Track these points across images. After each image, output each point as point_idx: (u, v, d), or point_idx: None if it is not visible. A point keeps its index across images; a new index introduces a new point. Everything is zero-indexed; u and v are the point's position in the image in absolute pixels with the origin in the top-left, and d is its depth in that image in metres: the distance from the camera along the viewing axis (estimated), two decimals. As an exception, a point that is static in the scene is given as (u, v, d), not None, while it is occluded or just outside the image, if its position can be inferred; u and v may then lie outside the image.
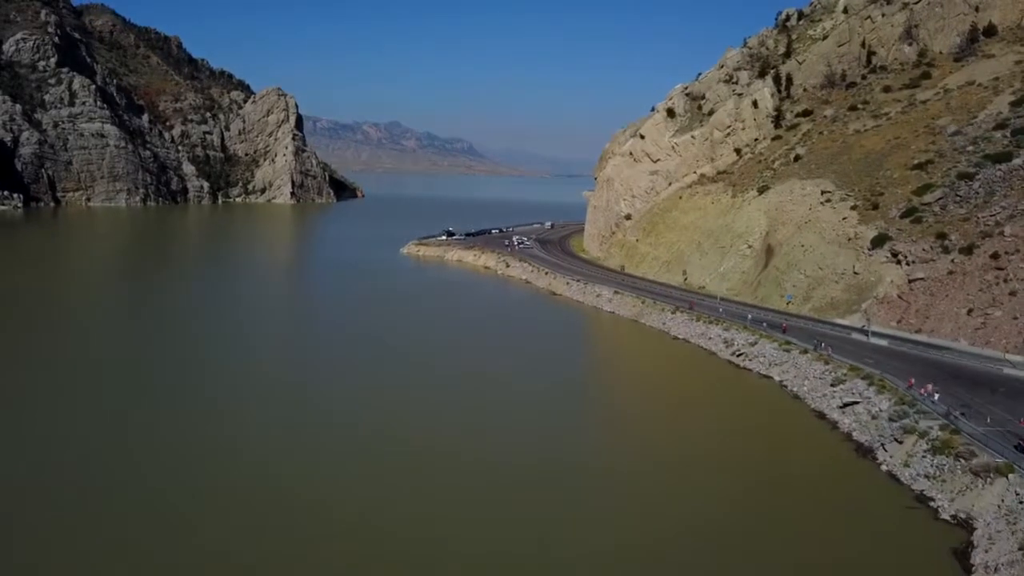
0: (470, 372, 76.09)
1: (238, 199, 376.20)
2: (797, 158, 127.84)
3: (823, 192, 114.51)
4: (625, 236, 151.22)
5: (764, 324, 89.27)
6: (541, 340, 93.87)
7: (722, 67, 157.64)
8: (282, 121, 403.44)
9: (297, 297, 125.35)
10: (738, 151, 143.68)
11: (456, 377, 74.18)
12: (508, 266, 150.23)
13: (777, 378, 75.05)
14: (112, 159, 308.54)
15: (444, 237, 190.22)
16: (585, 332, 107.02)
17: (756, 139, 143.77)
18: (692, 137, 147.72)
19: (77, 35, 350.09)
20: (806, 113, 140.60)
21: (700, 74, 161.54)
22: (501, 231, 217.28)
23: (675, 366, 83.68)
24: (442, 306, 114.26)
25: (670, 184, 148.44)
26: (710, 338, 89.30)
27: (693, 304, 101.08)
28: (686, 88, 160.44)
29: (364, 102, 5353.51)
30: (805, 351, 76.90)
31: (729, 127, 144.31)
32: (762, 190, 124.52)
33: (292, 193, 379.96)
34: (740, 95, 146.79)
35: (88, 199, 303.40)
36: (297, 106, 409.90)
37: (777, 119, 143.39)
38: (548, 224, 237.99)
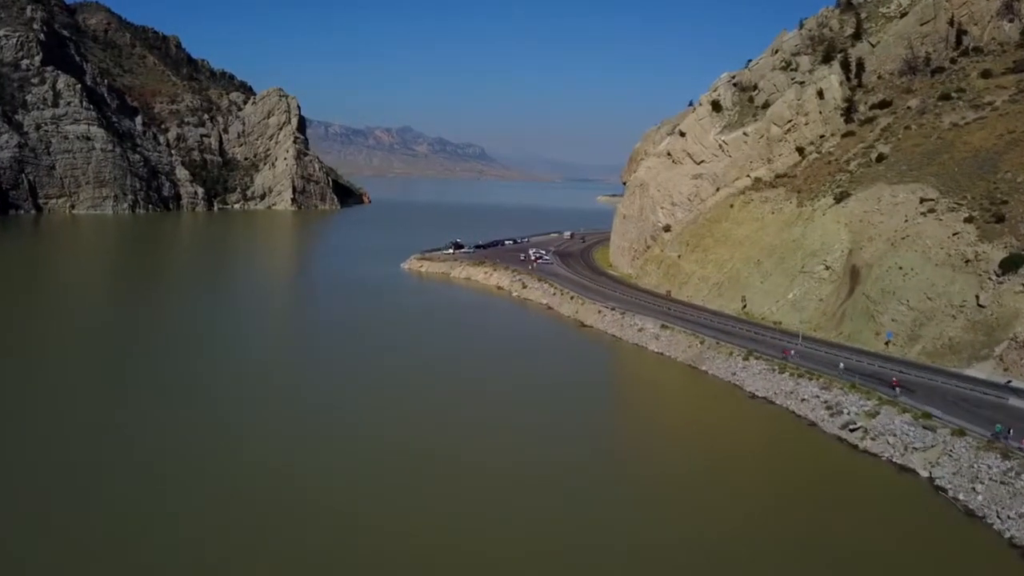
0: (472, 459, 53.11)
1: (236, 205, 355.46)
2: (881, 158, 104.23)
3: (923, 200, 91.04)
4: (664, 251, 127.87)
5: (897, 389, 64.45)
6: (567, 397, 70.89)
7: (776, 52, 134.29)
8: (283, 123, 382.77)
9: (263, 332, 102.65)
10: (800, 150, 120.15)
11: (452, 462, 51.31)
12: (525, 287, 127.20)
13: (924, 473, 51.58)
14: (98, 163, 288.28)
15: (451, 250, 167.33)
16: (627, 385, 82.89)
17: (822, 136, 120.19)
18: (744, 134, 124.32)
19: (66, 33, 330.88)
20: (884, 104, 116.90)
21: (750, 61, 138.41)
22: (515, 242, 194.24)
23: (762, 446, 60.12)
24: (442, 341, 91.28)
25: (718, 190, 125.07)
26: (803, 399, 65.82)
27: (788, 352, 76.93)
28: (733, 77, 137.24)
29: (376, 108, 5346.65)
30: (961, 432, 53.27)
31: (790, 121, 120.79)
32: (840, 197, 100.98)
33: (293, 199, 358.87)
34: (802, 84, 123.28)
35: (72, 206, 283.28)
36: (299, 108, 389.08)
37: (848, 111, 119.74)
38: (567, 234, 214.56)
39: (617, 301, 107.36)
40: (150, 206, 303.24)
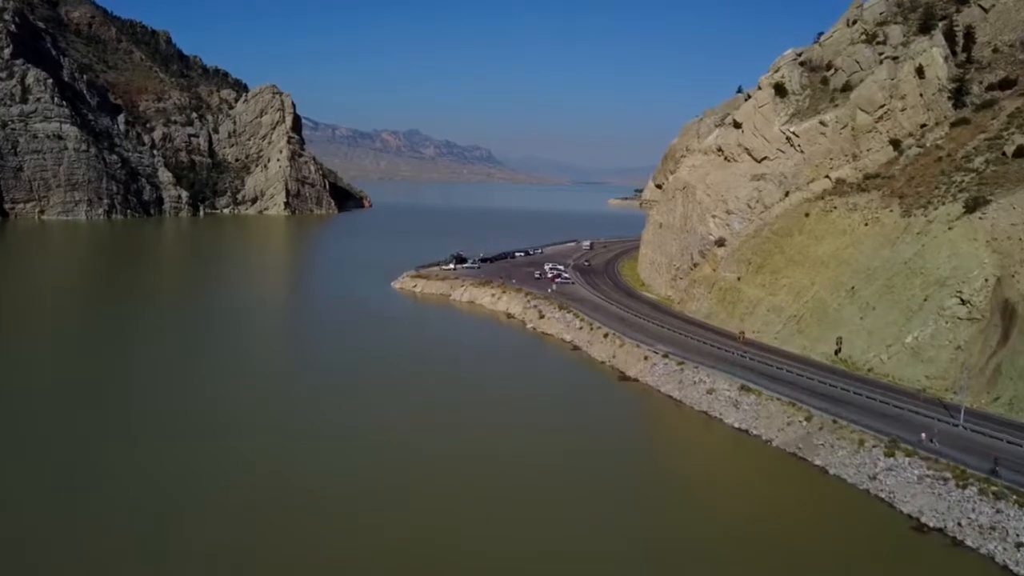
0: None
1: (226, 210, 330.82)
2: (1021, 152, 77.97)
3: (1104, 209, 64.79)
4: (717, 271, 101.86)
5: None
6: (608, 515, 45.20)
7: (854, 23, 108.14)
8: (277, 122, 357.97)
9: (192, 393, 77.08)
10: (895, 143, 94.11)
11: None
12: (542, 316, 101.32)
13: None
14: (71, 165, 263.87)
15: (452, 266, 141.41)
16: (705, 493, 51.43)
17: (923, 125, 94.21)
18: (820, 123, 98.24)
19: (42, 25, 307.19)
20: (1007, 84, 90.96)
21: (820, 34, 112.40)
22: (527, 254, 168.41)
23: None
24: (427, 408, 65.31)
25: (787, 194, 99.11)
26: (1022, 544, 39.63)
27: (928, 436, 51.06)
28: (800, 54, 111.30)
29: (383, 110, 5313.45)
30: None
31: (882, 107, 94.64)
32: (972, 205, 74.77)
33: (286, 203, 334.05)
34: (895, 59, 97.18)
35: (42, 211, 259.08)
36: (294, 105, 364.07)
37: (957, 94, 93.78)
38: (586, 244, 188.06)
39: (668, 343, 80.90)
40: (128, 211, 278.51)
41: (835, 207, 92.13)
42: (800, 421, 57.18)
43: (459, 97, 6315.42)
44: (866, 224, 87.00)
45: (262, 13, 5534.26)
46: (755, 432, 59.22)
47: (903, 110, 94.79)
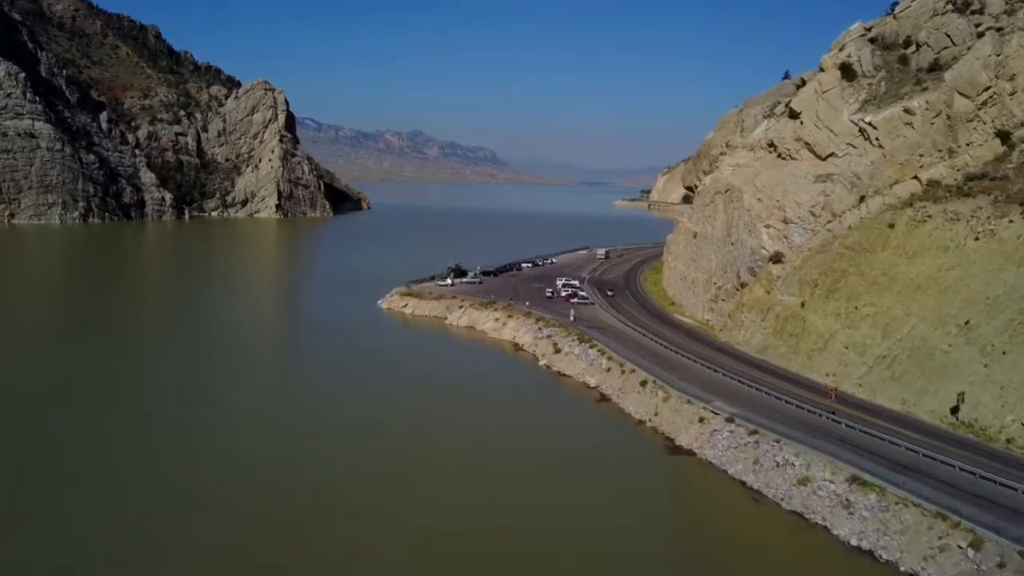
0: None
1: (214, 213, 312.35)
2: None
3: None
4: (772, 293, 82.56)
5: None
6: None
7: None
8: (269, 120, 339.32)
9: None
10: (1004, 135, 74.69)
11: None
12: (557, 350, 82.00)
13: None
14: (44, 165, 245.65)
15: (449, 281, 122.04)
16: None
17: (1039, 113, 74.72)
18: (905, 112, 78.93)
19: (19, 17, 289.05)
20: None
21: (895, 5, 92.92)
22: (535, 265, 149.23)
23: None
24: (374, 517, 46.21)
25: (862, 199, 79.88)
26: None
27: None
28: (869, 29, 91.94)
29: (387, 112, 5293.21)
30: None
31: (987, 90, 75.32)
32: None
33: (278, 206, 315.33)
34: (999, 31, 77.87)
35: (12, 215, 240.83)
36: (288, 103, 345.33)
37: (1083, 73, 74.32)
38: (601, 253, 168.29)
39: (728, 396, 61.28)
40: (107, 214, 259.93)
41: (930, 216, 72.73)
42: (960, 547, 37.87)
43: (463, 98, 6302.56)
44: (976, 238, 67.68)
45: (263, 14, 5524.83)
46: (885, 556, 39.90)
47: (1012, 94, 75.31)
